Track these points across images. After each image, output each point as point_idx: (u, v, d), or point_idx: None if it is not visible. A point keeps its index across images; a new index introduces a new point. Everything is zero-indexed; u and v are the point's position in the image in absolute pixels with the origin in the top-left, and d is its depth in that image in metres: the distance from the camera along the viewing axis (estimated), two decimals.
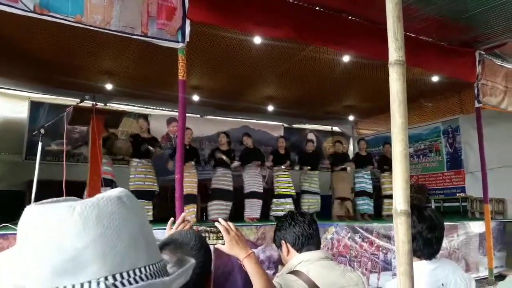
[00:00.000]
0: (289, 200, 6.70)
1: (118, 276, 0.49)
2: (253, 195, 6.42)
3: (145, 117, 6.29)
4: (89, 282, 0.47)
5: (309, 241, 1.65)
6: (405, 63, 1.36)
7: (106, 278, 0.48)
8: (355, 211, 7.39)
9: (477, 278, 5.80)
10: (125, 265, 0.50)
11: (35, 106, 7.74)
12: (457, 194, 8.54)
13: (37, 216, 0.50)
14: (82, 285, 0.47)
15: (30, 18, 3.48)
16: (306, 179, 7.25)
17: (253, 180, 6.54)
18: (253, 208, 6.34)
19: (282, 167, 6.88)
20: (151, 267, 0.53)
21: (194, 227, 1.43)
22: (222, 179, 6.33)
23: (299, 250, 1.65)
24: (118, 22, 3.77)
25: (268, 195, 6.84)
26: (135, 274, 0.50)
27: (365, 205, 7.36)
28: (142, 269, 0.52)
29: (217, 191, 6.26)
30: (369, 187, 7.52)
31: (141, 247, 0.53)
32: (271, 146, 8.84)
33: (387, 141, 7.96)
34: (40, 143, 4.25)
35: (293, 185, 6.89)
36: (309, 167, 7.23)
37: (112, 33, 3.84)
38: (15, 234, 2.79)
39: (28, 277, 0.49)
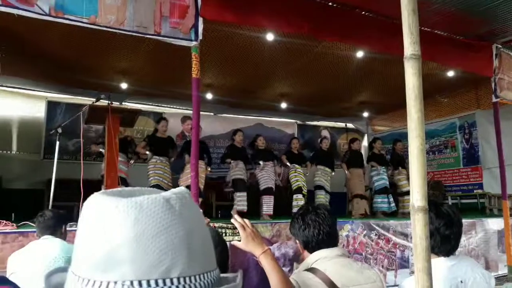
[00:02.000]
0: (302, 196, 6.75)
1: (144, 283, 0.47)
2: (269, 191, 6.47)
3: (164, 118, 6.45)
4: (115, 282, 0.46)
5: (323, 241, 1.62)
6: (421, 57, 1.34)
7: (131, 283, 0.46)
8: (372, 210, 7.30)
9: (496, 276, 5.70)
10: (155, 272, 0.47)
11: (52, 106, 7.87)
12: (475, 191, 8.40)
13: (91, 207, 0.51)
14: (108, 283, 0.46)
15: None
16: (322, 175, 7.23)
17: (268, 176, 6.60)
18: (269, 205, 6.39)
19: (296, 165, 6.94)
20: (186, 278, 0.49)
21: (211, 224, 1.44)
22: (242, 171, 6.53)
23: (312, 251, 1.64)
24: (131, 22, 3.80)
25: (279, 192, 6.84)
26: (164, 283, 0.47)
27: (387, 203, 7.24)
28: (175, 280, 0.48)
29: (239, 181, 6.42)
30: (387, 184, 7.41)
31: (180, 256, 0.49)
32: (284, 143, 8.80)
33: (398, 138, 7.92)
34: (57, 142, 4.33)
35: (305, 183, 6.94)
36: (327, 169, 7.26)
37: (125, 33, 3.88)
38: (34, 231, 2.84)
39: (74, 264, 0.50)
